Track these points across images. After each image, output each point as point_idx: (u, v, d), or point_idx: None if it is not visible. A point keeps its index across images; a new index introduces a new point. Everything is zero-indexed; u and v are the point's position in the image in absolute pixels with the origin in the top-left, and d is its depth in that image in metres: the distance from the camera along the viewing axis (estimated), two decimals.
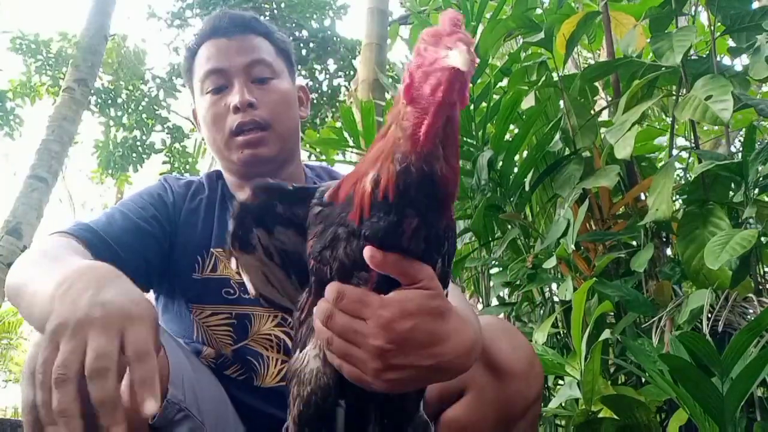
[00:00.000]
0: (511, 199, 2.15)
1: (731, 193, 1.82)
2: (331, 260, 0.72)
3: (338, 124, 3.66)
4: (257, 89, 1.23)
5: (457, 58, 0.55)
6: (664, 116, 2.77)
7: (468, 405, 0.99)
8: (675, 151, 2.12)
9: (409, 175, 0.63)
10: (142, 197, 1.21)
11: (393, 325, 0.68)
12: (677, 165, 2.14)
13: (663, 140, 2.47)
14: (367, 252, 0.69)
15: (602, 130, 2.15)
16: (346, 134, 2.53)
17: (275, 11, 6.30)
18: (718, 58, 1.95)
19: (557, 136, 2.15)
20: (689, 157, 2.37)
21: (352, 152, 2.79)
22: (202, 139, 1.42)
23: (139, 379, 0.66)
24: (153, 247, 1.16)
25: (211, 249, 1.21)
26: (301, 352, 0.77)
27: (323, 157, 3.56)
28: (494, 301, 2.40)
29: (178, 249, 1.21)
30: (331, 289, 0.72)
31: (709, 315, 1.53)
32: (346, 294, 0.70)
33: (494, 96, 2.45)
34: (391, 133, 0.65)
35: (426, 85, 0.59)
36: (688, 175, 2.29)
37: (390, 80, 3.35)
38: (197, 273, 1.20)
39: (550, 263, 1.82)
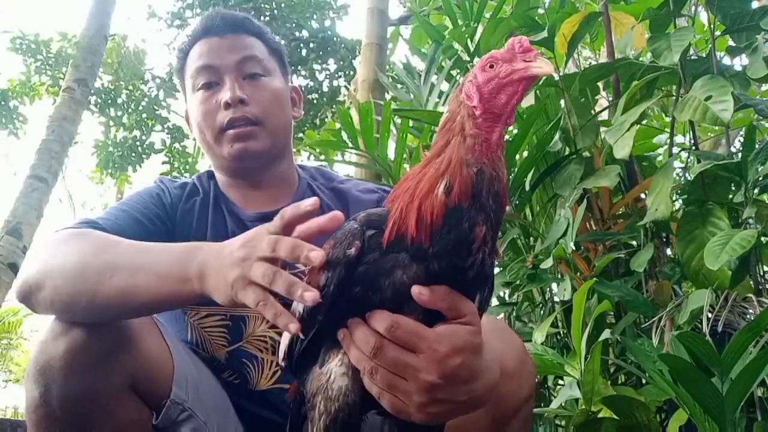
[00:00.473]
0: (512, 198, 2.15)
1: (731, 193, 1.82)
2: (385, 288, 0.72)
3: (338, 125, 3.66)
4: (248, 85, 1.23)
5: (544, 66, 0.66)
6: (664, 116, 2.77)
7: None
8: (675, 149, 2.12)
9: (483, 178, 0.68)
10: (142, 197, 1.21)
11: (446, 360, 0.69)
12: (677, 165, 2.14)
13: (663, 139, 2.47)
14: (416, 290, 0.70)
15: (602, 130, 2.15)
16: (344, 135, 2.53)
17: (275, 11, 6.29)
18: (718, 58, 1.95)
19: (557, 136, 2.15)
20: (688, 157, 2.37)
21: (351, 153, 2.79)
22: (194, 138, 1.42)
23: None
24: None
25: None
26: (321, 368, 0.77)
27: (323, 157, 3.56)
28: (494, 301, 2.40)
29: None
30: (383, 318, 0.71)
31: (709, 315, 1.53)
32: (401, 325, 0.70)
33: None
34: (454, 145, 0.69)
35: (501, 95, 0.68)
36: (688, 175, 2.29)
37: (390, 80, 3.35)
38: None
39: (548, 263, 1.83)
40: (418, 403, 0.70)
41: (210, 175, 1.33)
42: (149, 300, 0.86)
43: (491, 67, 0.69)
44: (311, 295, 0.71)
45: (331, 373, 0.76)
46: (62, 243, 0.97)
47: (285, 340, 0.85)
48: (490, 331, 1.00)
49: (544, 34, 2.06)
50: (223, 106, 1.21)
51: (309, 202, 0.77)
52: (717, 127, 2.58)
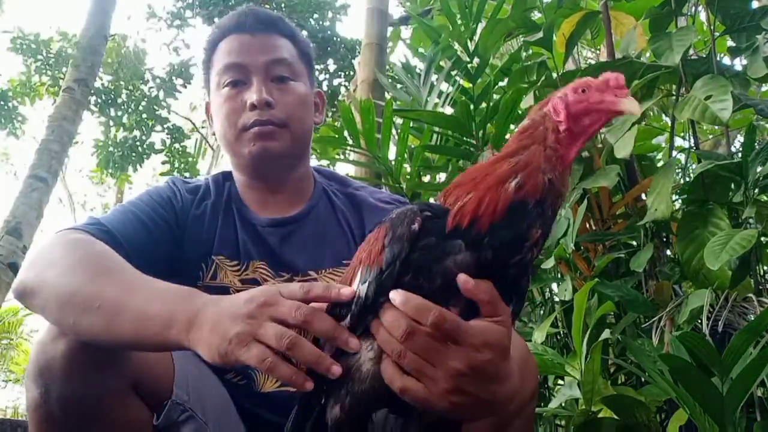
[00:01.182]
0: None
1: (731, 193, 1.82)
2: (435, 275, 0.73)
3: (338, 124, 3.66)
4: (275, 89, 1.22)
5: (632, 104, 0.71)
6: (664, 116, 2.77)
7: None
8: (674, 152, 2.12)
9: (552, 188, 0.72)
10: (152, 198, 1.19)
11: (476, 354, 0.70)
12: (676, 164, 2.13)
13: (663, 140, 2.47)
14: (462, 277, 0.71)
15: (602, 129, 2.14)
16: (345, 133, 2.53)
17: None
18: (718, 58, 1.95)
19: None
20: (688, 158, 2.37)
21: (351, 151, 2.79)
22: (213, 134, 1.39)
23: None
24: (162, 252, 1.14)
25: (212, 256, 1.20)
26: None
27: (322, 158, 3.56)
28: None
29: (184, 255, 1.19)
30: (421, 305, 0.71)
31: (709, 315, 1.53)
32: (441, 316, 0.70)
33: (494, 96, 2.45)
34: (534, 151, 0.73)
35: (586, 118, 0.73)
36: (689, 174, 2.29)
37: (390, 81, 3.35)
38: (201, 281, 1.19)
39: (549, 263, 1.82)
40: (443, 390, 0.70)
41: (226, 176, 1.31)
42: (129, 340, 0.83)
43: (583, 91, 0.73)
44: (336, 369, 0.72)
45: (362, 357, 0.76)
46: (63, 252, 0.94)
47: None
48: None
49: (542, 34, 2.06)
50: (249, 107, 1.19)
51: (347, 293, 0.76)
52: (717, 128, 2.58)
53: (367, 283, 0.75)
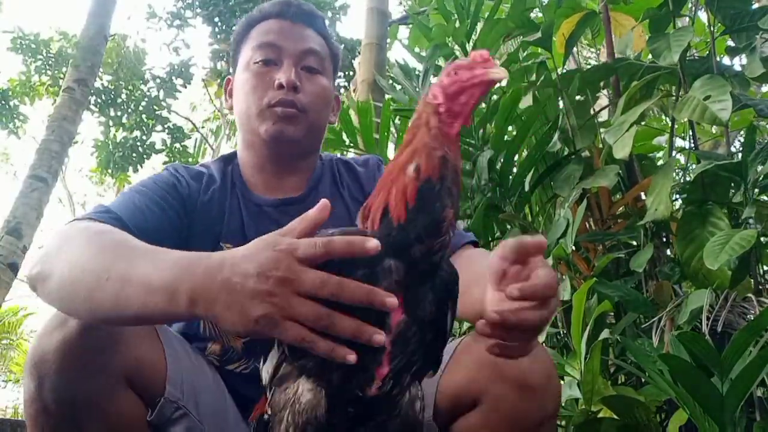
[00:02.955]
0: (511, 199, 2.15)
1: (731, 193, 1.82)
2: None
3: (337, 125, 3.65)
4: (304, 77, 1.25)
5: (499, 72, 0.76)
6: (664, 116, 2.77)
7: (481, 416, 0.98)
8: (674, 152, 2.12)
9: (447, 163, 0.75)
10: (158, 185, 1.18)
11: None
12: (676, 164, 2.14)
13: (662, 141, 2.47)
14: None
15: (601, 130, 2.15)
16: (343, 134, 2.53)
17: None
18: (719, 58, 1.95)
19: (556, 136, 2.15)
20: (687, 158, 2.37)
21: (349, 151, 2.79)
22: (228, 109, 1.40)
23: None
24: (171, 239, 1.12)
25: (220, 243, 1.20)
26: (290, 382, 0.79)
27: None
28: None
29: (193, 243, 1.17)
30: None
31: (709, 315, 1.53)
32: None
33: (493, 96, 2.45)
34: (420, 136, 0.77)
35: (462, 96, 0.77)
36: (689, 174, 2.29)
37: (389, 81, 3.35)
38: None
39: (548, 263, 1.82)
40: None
41: (228, 159, 1.32)
42: (135, 313, 0.80)
43: (456, 73, 0.78)
44: (380, 338, 0.70)
45: (299, 386, 0.78)
46: (74, 238, 0.94)
47: (271, 362, 0.84)
48: None
49: (540, 34, 2.07)
50: (277, 86, 1.21)
51: (373, 246, 0.72)
52: (715, 131, 2.58)
53: None
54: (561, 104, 2.17)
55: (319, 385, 0.77)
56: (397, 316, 0.74)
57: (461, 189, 0.79)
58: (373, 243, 0.71)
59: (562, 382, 1.68)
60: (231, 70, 1.36)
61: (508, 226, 2.22)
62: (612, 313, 1.94)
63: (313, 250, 0.71)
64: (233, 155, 1.33)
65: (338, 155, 1.44)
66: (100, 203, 1.10)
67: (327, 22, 1.37)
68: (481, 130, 2.24)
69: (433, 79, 2.70)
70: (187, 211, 1.19)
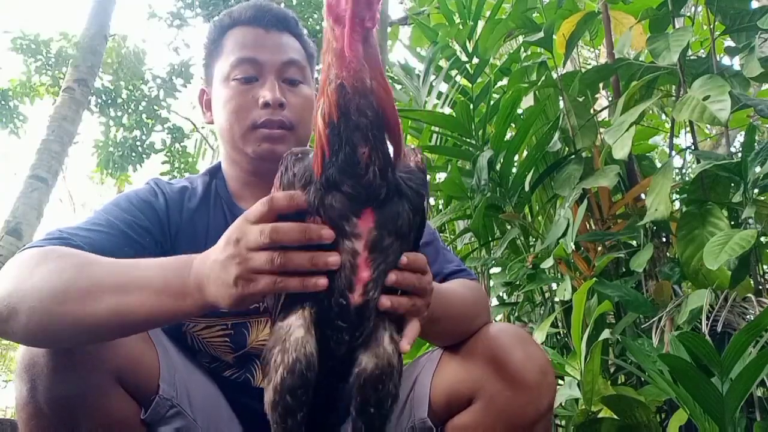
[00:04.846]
0: (511, 199, 2.15)
1: (731, 193, 1.83)
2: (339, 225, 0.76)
3: None
4: (287, 90, 1.21)
5: None
6: (664, 116, 2.77)
7: (476, 413, 0.99)
8: (674, 152, 2.13)
9: (345, 91, 0.70)
10: (131, 203, 1.13)
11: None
12: (676, 165, 2.14)
13: (660, 140, 2.47)
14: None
15: (601, 130, 2.15)
16: None
17: None
18: (718, 58, 1.95)
19: (556, 136, 2.15)
20: (686, 159, 2.37)
21: None
22: (207, 123, 1.35)
23: None
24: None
25: None
26: (281, 322, 0.80)
27: None
28: (494, 301, 2.40)
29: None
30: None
31: (709, 315, 1.53)
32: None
33: (494, 96, 2.45)
34: (322, 73, 0.75)
35: (342, 1, 0.72)
36: (689, 174, 2.29)
37: (390, 80, 3.35)
38: None
39: (548, 263, 1.83)
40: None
41: (212, 173, 1.28)
42: (145, 318, 0.82)
43: None
44: (335, 259, 0.75)
45: (291, 326, 0.78)
46: (35, 263, 0.88)
47: None
48: (511, 339, 1.00)
49: (542, 34, 2.07)
50: (261, 105, 1.18)
51: (302, 199, 0.78)
52: (714, 133, 2.58)
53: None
54: (561, 104, 2.17)
55: (307, 306, 0.79)
56: (366, 225, 0.77)
57: (390, 92, 0.75)
58: (302, 198, 0.78)
59: (562, 382, 1.69)
60: (204, 79, 1.30)
61: (508, 226, 2.23)
62: (612, 313, 1.94)
63: (261, 208, 0.79)
64: (218, 168, 1.29)
65: None
66: (56, 229, 1.02)
67: (298, 20, 1.31)
68: (481, 130, 2.25)
69: (432, 78, 2.70)
70: (164, 229, 1.15)
